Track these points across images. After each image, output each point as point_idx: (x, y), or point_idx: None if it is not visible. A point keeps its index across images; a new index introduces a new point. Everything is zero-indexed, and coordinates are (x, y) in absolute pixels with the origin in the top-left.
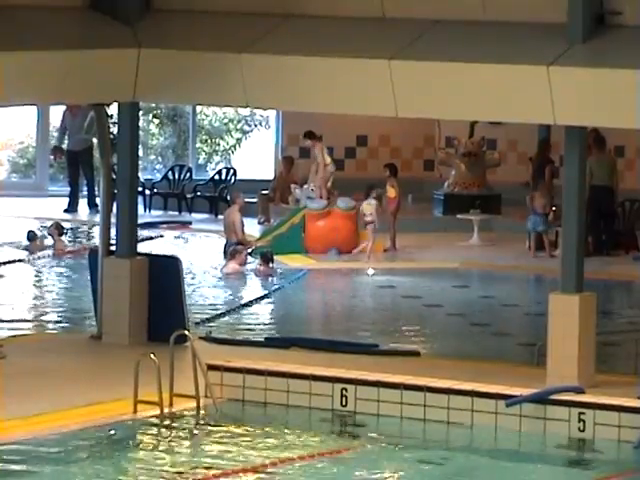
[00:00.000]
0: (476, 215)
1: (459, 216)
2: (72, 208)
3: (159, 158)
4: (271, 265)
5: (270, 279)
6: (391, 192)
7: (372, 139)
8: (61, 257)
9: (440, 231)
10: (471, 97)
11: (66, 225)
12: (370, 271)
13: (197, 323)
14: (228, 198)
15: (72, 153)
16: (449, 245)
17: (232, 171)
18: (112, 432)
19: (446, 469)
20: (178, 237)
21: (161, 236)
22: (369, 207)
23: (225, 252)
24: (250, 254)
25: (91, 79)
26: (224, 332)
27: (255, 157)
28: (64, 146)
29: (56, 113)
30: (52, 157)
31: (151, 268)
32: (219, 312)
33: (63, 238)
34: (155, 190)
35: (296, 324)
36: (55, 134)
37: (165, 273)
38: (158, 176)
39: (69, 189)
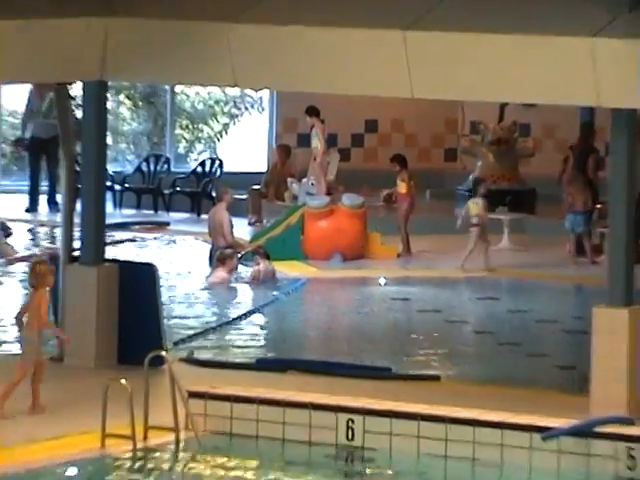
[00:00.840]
0: (506, 214)
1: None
2: (33, 207)
3: (131, 147)
4: (270, 262)
5: (272, 281)
6: (402, 187)
7: (383, 124)
8: (10, 263)
9: (463, 233)
10: (500, 75)
11: (25, 226)
12: (382, 280)
13: (176, 342)
14: (213, 194)
15: (37, 141)
16: (474, 249)
17: (218, 162)
18: (77, 470)
19: None
20: (154, 240)
21: (134, 239)
22: (475, 207)
23: (211, 258)
24: (240, 260)
25: (50, 54)
26: (208, 353)
27: (245, 146)
28: (27, 133)
29: (10, 95)
30: (15, 150)
31: (122, 277)
32: (203, 329)
33: (9, 241)
34: (126, 185)
35: (294, 343)
36: (9, 119)
37: (139, 283)
38: (130, 168)
39: (29, 184)
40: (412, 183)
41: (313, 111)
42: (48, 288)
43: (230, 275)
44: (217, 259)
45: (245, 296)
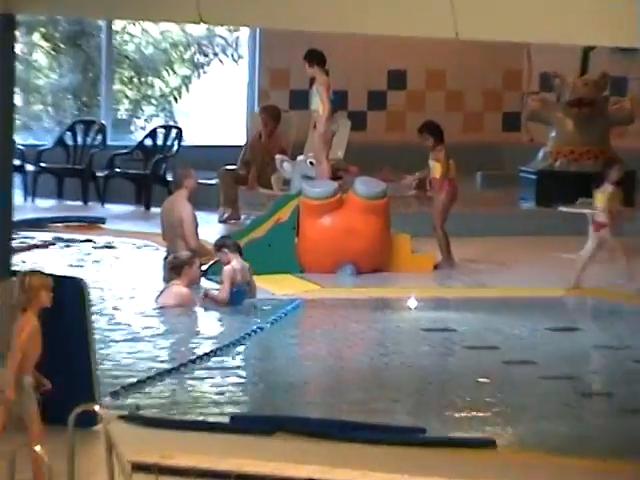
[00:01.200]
0: (592, 207)
1: (563, 209)
2: None
3: (50, 109)
4: (244, 259)
5: (250, 294)
6: (436, 170)
7: (414, 77)
8: None
9: (531, 233)
10: (578, 7)
11: None
12: (412, 302)
13: (115, 392)
14: (169, 178)
15: None
16: (546, 258)
17: (175, 132)
18: None
19: None
20: (83, 244)
21: (53, 243)
22: (603, 198)
23: (165, 269)
24: (205, 273)
25: None
26: (160, 407)
27: (215, 108)
28: None
29: None
30: None
31: None
32: (153, 373)
33: None
34: (43, 164)
35: (283, 393)
36: None
37: (61, 306)
38: (49, 140)
39: None
40: (452, 163)
41: (315, 57)
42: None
43: (190, 291)
44: (170, 267)
45: (213, 324)
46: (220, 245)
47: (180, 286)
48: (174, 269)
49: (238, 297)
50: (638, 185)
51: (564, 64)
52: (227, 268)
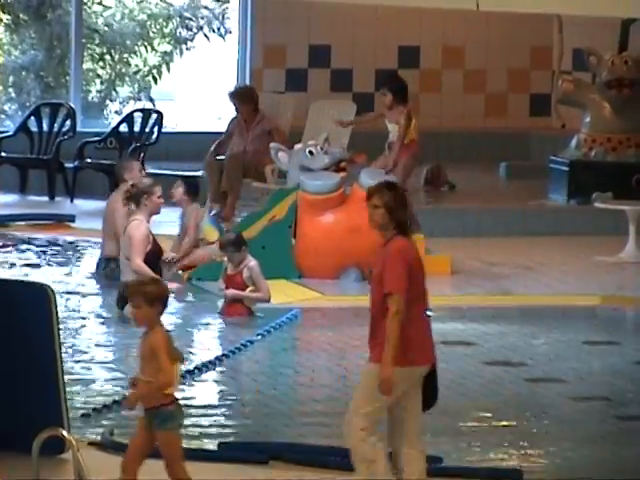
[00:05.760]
0: (633, 204)
1: (598, 204)
2: None
3: (11, 91)
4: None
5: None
6: (395, 133)
7: (429, 54)
8: None
9: (561, 233)
10: None
11: None
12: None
13: (86, 415)
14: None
15: None
16: (579, 261)
17: (155, 117)
18: None
19: None
20: (50, 246)
21: (15, 244)
22: None
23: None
24: (190, 279)
25: None
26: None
27: (200, 90)
28: None
29: None
30: None
31: None
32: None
33: None
34: (4, 154)
35: (278, 416)
36: None
37: (24, 316)
38: (10, 126)
39: None
40: (415, 124)
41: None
42: None
43: (180, 293)
44: (128, 197)
45: (197, 337)
46: (238, 243)
47: (141, 221)
48: (132, 199)
49: None
50: None
51: (600, 40)
52: (254, 264)
